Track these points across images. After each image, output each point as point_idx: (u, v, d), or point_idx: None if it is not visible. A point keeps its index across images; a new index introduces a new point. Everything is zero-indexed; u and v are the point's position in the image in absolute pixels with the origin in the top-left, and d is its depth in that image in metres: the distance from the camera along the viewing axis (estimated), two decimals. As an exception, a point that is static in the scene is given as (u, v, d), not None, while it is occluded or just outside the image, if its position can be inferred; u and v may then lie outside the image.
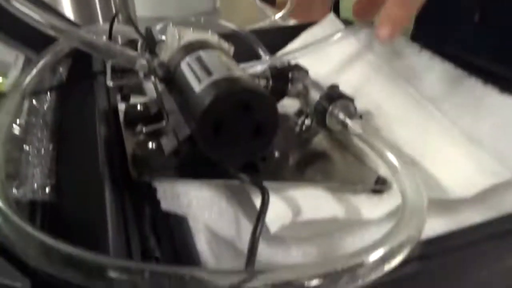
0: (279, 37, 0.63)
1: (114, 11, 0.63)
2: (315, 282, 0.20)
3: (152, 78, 0.37)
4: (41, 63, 0.45)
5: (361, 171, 0.40)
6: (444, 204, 0.34)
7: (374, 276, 0.22)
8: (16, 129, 0.39)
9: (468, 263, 0.29)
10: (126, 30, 0.53)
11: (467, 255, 0.27)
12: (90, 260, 0.21)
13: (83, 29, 0.49)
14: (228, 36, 0.62)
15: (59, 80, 0.49)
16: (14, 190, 0.32)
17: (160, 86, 0.38)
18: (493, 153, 0.37)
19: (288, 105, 0.52)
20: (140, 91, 0.48)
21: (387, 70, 0.50)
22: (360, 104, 0.44)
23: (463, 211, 0.34)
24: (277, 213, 0.31)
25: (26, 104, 0.43)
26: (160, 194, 0.28)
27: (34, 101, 0.45)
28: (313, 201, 0.33)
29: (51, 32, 0.40)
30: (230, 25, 0.58)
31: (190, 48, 0.35)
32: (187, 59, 0.34)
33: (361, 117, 0.41)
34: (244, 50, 0.55)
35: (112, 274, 0.20)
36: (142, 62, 0.39)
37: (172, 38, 0.38)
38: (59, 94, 0.48)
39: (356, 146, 0.43)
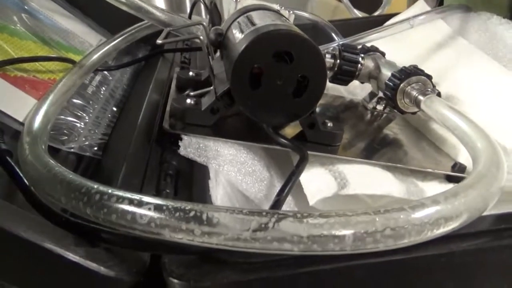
0: (363, 28, 0.59)
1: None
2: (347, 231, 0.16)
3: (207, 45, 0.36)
4: (111, 44, 0.47)
5: (436, 157, 0.34)
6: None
7: (414, 238, 0.17)
8: (83, 96, 0.40)
9: None
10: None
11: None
12: (90, 187, 0.19)
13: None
14: (306, 26, 0.60)
15: (133, 62, 0.52)
16: (59, 143, 0.33)
17: (217, 55, 0.37)
18: None
19: (359, 91, 0.47)
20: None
21: (481, 54, 0.42)
22: (444, 88, 0.38)
23: None
24: (320, 185, 0.27)
25: (98, 77, 0.45)
26: (184, 142, 0.26)
27: (107, 75, 0.47)
28: (367, 178, 0.29)
29: (126, 8, 0.42)
30: (306, 14, 0.55)
31: (244, 10, 0.33)
32: (239, 19, 0.32)
33: (439, 94, 0.35)
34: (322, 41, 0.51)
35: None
36: (200, 30, 0.39)
37: (229, 5, 0.37)
38: (132, 73, 0.50)
39: (433, 132, 0.37)
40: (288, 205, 0.27)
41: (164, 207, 0.17)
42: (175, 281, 0.18)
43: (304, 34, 0.26)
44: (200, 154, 0.26)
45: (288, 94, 0.27)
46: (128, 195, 0.18)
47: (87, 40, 0.52)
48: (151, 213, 0.17)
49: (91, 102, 0.40)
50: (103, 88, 0.44)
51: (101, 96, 0.43)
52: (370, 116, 0.42)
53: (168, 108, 0.31)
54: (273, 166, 0.29)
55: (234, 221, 0.16)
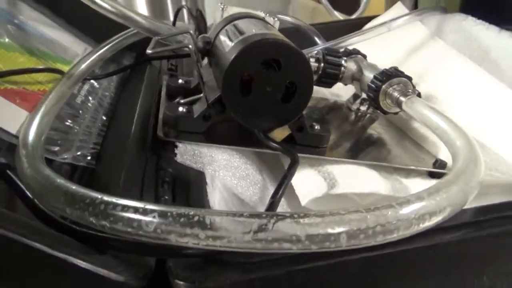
0: (343, 30, 0.60)
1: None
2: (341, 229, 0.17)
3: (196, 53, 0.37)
4: (98, 53, 0.48)
5: (418, 155, 0.36)
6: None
7: (403, 232, 0.18)
8: (73, 106, 0.41)
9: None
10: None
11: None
12: (92, 196, 0.20)
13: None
14: (289, 30, 0.61)
15: (121, 70, 0.52)
16: (52, 154, 0.33)
17: (204, 62, 0.38)
18: None
19: (342, 93, 0.49)
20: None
21: (457, 55, 0.44)
22: (423, 89, 0.40)
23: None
24: (311, 186, 0.28)
25: (86, 86, 0.46)
26: (180, 150, 0.27)
27: (95, 84, 0.47)
28: (354, 177, 0.30)
29: (113, 17, 0.43)
30: (289, 18, 0.57)
31: (231, 18, 0.34)
32: (226, 27, 0.33)
33: (419, 95, 0.36)
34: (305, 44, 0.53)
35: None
36: (188, 38, 0.40)
37: (217, 13, 0.38)
38: (119, 81, 0.51)
39: (415, 130, 0.39)
40: (281, 206, 0.28)
41: (169, 214, 0.18)
42: (181, 283, 0.19)
43: (290, 42, 0.28)
44: (196, 161, 0.27)
45: (277, 100, 0.28)
46: (133, 203, 0.19)
47: (73, 49, 0.52)
48: (156, 220, 0.18)
49: (81, 112, 0.41)
50: (91, 97, 0.45)
51: (90, 105, 0.44)
52: (354, 116, 0.44)
53: (160, 116, 0.31)
54: (265, 169, 0.30)
55: (236, 224, 0.17)
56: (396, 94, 0.36)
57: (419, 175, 0.33)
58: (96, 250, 0.18)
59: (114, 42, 0.49)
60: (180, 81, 0.37)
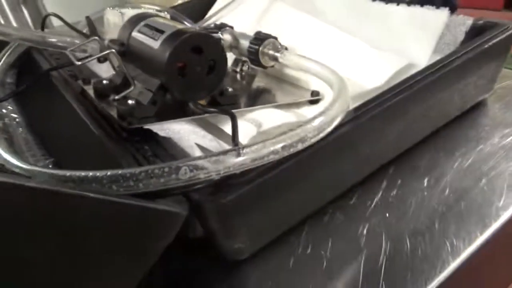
0: (197, 9, 0.71)
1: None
2: (282, 144, 0.29)
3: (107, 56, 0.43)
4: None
5: (297, 92, 0.50)
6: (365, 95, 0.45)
7: (321, 134, 0.31)
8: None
9: (389, 115, 0.39)
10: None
11: (386, 109, 0.38)
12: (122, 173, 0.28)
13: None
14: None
15: (13, 88, 0.54)
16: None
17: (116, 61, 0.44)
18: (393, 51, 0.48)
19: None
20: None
21: (299, 12, 0.59)
22: (284, 43, 0.54)
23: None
24: (245, 130, 0.40)
25: (-6, 110, 0.47)
26: (155, 129, 0.36)
27: None
28: (268, 116, 0.42)
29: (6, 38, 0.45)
30: (151, 6, 0.64)
31: (135, 19, 0.42)
32: (137, 28, 0.41)
33: (286, 49, 0.50)
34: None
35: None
36: (93, 46, 0.46)
37: (114, 18, 0.44)
38: (19, 98, 0.53)
39: (289, 75, 0.52)
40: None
41: (193, 163, 0.27)
42: (211, 204, 0.28)
43: (203, 31, 0.37)
44: (172, 134, 0.35)
45: (205, 76, 0.38)
46: (166, 164, 0.27)
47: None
48: (189, 170, 0.27)
49: (11, 131, 0.44)
50: (6, 119, 0.47)
51: (9, 125, 0.46)
52: (239, 77, 0.55)
53: (113, 112, 0.38)
54: (207, 129, 0.40)
55: (238, 156, 0.28)
56: (271, 52, 0.49)
57: (304, 105, 0.47)
58: (151, 198, 0.27)
59: (2, 61, 0.51)
60: (104, 81, 0.43)
